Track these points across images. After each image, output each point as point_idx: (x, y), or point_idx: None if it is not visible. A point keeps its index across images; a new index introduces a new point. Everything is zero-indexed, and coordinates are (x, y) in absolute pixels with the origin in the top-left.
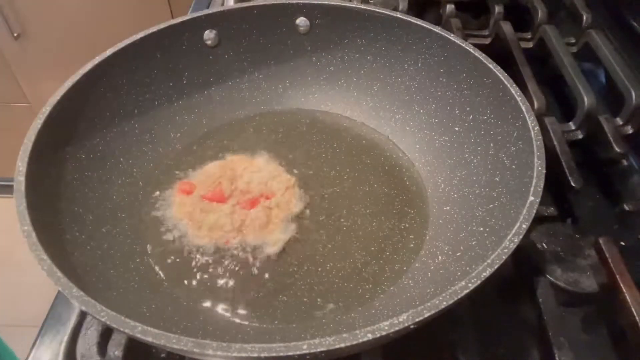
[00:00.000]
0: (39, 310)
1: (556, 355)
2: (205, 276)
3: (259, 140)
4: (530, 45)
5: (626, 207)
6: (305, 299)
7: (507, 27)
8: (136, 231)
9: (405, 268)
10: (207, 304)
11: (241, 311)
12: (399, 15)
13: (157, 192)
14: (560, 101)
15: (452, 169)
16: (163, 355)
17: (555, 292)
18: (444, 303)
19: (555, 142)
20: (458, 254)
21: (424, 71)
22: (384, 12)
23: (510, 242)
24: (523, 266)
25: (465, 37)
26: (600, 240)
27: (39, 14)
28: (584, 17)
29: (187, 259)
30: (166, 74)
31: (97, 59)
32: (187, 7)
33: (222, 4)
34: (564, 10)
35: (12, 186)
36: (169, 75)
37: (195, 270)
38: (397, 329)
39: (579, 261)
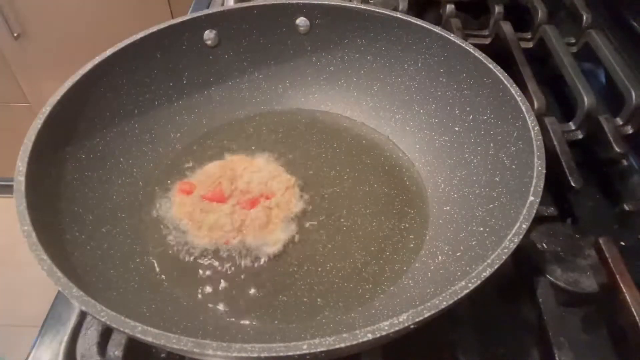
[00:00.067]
0: (39, 310)
1: (556, 355)
2: (205, 276)
3: (259, 140)
4: (530, 45)
5: (626, 207)
6: (305, 299)
7: (507, 27)
8: (136, 231)
9: (405, 268)
10: (207, 304)
11: (241, 311)
12: (399, 15)
13: (157, 192)
14: (560, 101)
15: (452, 169)
16: (163, 355)
17: (555, 292)
18: (444, 303)
19: (555, 142)
20: (458, 254)
21: (424, 71)
22: (384, 12)
23: (510, 242)
24: (523, 266)
25: (465, 37)
26: (600, 240)
27: (39, 14)
28: (584, 17)
29: (187, 259)
30: (166, 74)
31: (97, 59)
32: (187, 7)
33: (222, 4)
34: (564, 10)
35: (12, 186)
36: (169, 75)
37: (195, 270)
38: (397, 329)
39: (579, 261)
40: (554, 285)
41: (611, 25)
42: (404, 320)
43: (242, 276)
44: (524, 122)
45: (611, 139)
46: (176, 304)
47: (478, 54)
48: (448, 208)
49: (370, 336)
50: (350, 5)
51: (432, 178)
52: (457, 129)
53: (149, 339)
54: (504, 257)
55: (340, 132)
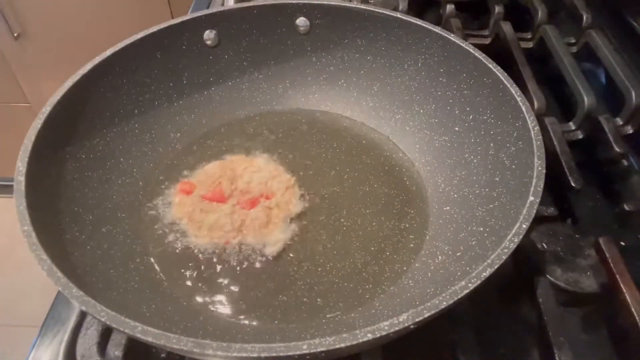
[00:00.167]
0: (39, 310)
1: (556, 355)
2: (205, 276)
3: (259, 140)
4: (530, 45)
5: (626, 207)
6: (305, 299)
7: (507, 27)
8: (136, 231)
9: (405, 268)
10: (207, 304)
11: (241, 311)
12: (399, 15)
13: (157, 193)
14: (560, 101)
15: (452, 169)
16: (163, 355)
17: (555, 292)
18: (444, 303)
19: (555, 142)
20: (458, 254)
21: (424, 71)
22: (384, 12)
23: (510, 242)
24: (523, 266)
25: (465, 37)
26: (600, 240)
27: (39, 14)
28: (584, 17)
29: (187, 259)
30: (166, 74)
31: (97, 59)
32: (187, 7)
33: (222, 4)
34: (564, 10)
35: (12, 186)
36: (169, 75)
37: (195, 270)
38: (397, 329)
39: (579, 261)
40: (554, 285)
41: (611, 25)
42: (404, 320)
43: (242, 276)
44: (524, 122)
45: (611, 139)
46: (176, 304)
47: (478, 54)
48: (448, 208)
49: (370, 336)
50: (350, 5)
51: (432, 178)
52: (457, 129)
53: (149, 339)
54: (504, 257)
55: (340, 132)
